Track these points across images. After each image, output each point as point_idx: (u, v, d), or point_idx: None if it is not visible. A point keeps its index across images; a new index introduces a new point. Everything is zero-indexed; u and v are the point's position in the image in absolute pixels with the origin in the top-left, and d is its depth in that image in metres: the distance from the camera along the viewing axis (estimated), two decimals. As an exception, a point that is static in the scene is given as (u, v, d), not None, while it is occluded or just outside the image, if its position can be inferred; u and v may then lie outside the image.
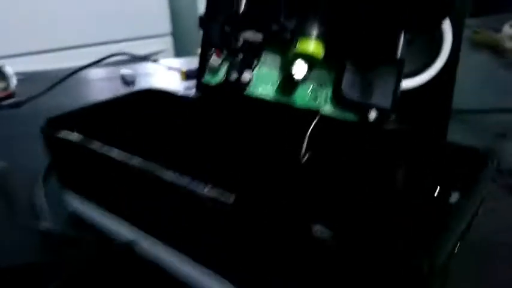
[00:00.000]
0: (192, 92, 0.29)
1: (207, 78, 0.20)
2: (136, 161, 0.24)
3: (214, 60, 0.20)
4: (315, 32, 0.20)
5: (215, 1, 0.20)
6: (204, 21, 0.20)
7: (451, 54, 0.37)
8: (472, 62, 0.71)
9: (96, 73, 0.69)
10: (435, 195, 0.20)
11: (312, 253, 0.17)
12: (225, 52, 0.20)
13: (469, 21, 0.88)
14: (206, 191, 0.20)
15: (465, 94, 0.58)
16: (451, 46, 0.37)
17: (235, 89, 0.20)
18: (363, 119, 0.21)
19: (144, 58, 0.70)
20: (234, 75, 0.20)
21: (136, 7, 1.23)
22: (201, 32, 0.22)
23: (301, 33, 0.20)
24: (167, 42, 1.31)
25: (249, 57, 0.21)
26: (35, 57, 1.18)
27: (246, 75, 0.20)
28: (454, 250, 0.19)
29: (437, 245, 0.15)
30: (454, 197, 0.19)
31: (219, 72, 0.20)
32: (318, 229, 0.20)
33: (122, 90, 0.58)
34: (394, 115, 0.40)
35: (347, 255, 0.16)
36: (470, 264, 0.27)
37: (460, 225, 0.17)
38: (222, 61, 0.20)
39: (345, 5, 0.19)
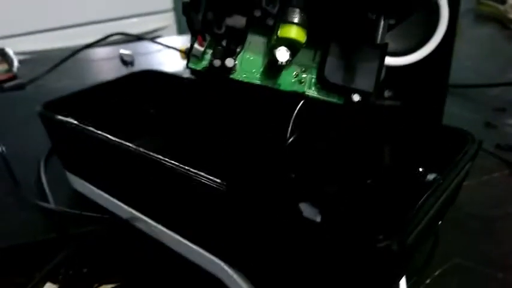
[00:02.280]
0: (187, 73, 0.29)
1: (191, 65, 0.21)
2: (129, 146, 0.24)
3: (197, 47, 0.20)
4: (296, 17, 0.20)
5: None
6: (187, 8, 0.20)
7: (447, 32, 0.37)
8: (476, 34, 0.70)
9: (95, 53, 0.70)
10: (412, 174, 0.20)
11: (297, 233, 0.18)
12: (208, 39, 0.21)
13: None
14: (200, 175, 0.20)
15: (467, 68, 0.57)
16: (447, 23, 0.37)
17: (220, 74, 0.21)
18: (347, 101, 0.21)
19: (142, 37, 0.70)
20: (217, 62, 0.20)
21: (137, -17, 1.21)
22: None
23: (283, 18, 0.20)
24: (169, 18, 1.29)
25: (233, 43, 0.21)
26: (35, 36, 1.18)
27: (230, 61, 0.20)
28: (432, 227, 0.19)
29: (408, 224, 0.16)
30: (431, 176, 0.19)
31: (203, 59, 0.21)
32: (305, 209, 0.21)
33: (121, 70, 0.59)
34: (391, 92, 0.40)
35: (326, 237, 0.17)
36: (461, 238, 0.27)
37: (435, 203, 0.18)
38: (206, 48, 0.21)
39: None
